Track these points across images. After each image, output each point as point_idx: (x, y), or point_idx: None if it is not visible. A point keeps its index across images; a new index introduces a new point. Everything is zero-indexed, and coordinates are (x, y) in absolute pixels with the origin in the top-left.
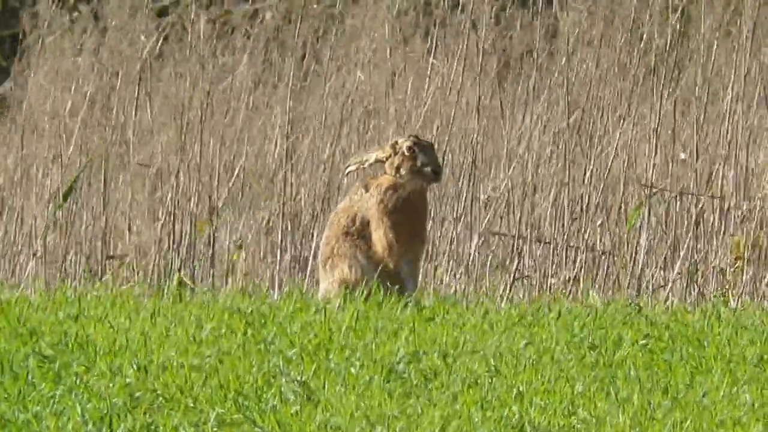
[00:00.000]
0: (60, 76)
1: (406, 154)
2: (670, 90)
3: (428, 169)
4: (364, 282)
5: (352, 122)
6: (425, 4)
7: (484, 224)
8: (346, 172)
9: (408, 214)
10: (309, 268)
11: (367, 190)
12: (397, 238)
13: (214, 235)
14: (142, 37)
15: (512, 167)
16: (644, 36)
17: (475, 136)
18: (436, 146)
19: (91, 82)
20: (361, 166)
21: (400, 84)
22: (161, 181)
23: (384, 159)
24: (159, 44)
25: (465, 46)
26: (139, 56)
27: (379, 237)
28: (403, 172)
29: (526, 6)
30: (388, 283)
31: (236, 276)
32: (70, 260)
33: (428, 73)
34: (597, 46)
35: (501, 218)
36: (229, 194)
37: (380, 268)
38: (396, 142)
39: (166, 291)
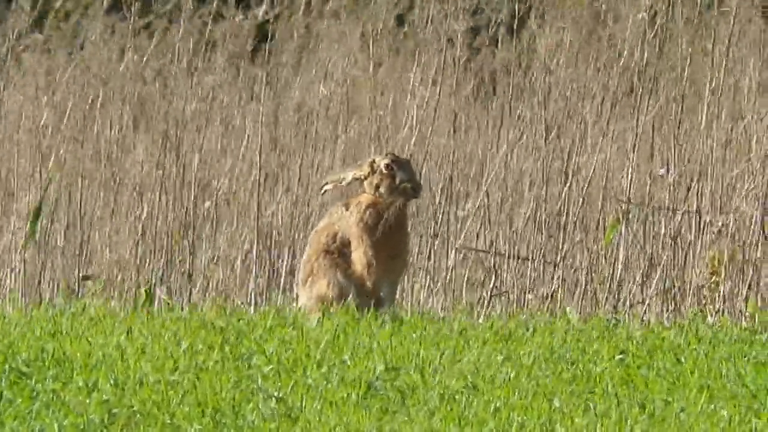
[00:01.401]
0: (37, 91)
1: (385, 172)
2: (648, 107)
3: (408, 185)
4: (342, 300)
5: (329, 139)
6: (399, 23)
7: (461, 240)
8: (323, 190)
9: (388, 233)
10: (284, 285)
11: (347, 209)
12: (376, 257)
13: (191, 251)
14: (124, 53)
15: (489, 183)
16: (623, 53)
17: (452, 152)
18: (413, 163)
19: (68, 97)
20: (338, 184)
21: (378, 101)
22: (139, 197)
23: (362, 177)
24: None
25: (441, 62)
26: (120, 70)
27: (359, 256)
28: (382, 190)
29: (503, 23)
30: (366, 303)
31: (212, 292)
32: (48, 277)
33: (406, 89)
34: (574, 63)
35: (478, 235)
36: (205, 210)
37: (359, 287)
38: (374, 161)
39: (135, 305)
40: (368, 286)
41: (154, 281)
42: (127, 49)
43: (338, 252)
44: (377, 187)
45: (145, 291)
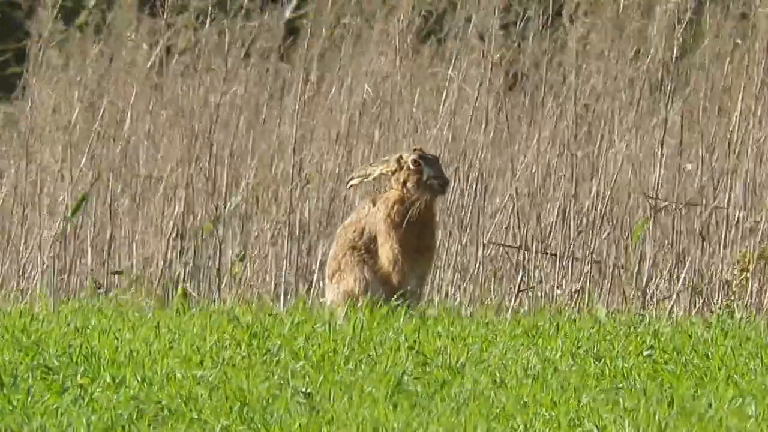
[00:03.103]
0: (66, 87)
1: (412, 167)
2: (674, 102)
3: (435, 182)
4: (368, 296)
5: (360, 135)
6: (435, 19)
7: (489, 236)
8: (349, 185)
9: (415, 229)
10: (314, 280)
11: (374, 205)
12: (403, 253)
13: (219, 246)
14: (144, 46)
15: (518, 179)
16: (651, 49)
17: (482, 147)
18: (442, 158)
19: (97, 93)
20: (365, 180)
21: (408, 97)
22: (168, 193)
23: (389, 173)
24: (163, 55)
25: (470, 57)
26: (147, 67)
27: (386, 252)
28: (409, 185)
29: (533, 20)
30: (393, 299)
31: (240, 287)
32: (76, 273)
33: (437, 85)
34: (606, 59)
35: (506, 230)
36: (235, 205)
37: (385, 283)
38: (401, 156)
39: (169, 302)
40: (395, 282)
41: (182, 277)
42: (155, 45)
43: (365, 248)
44: (404, 183)
45: (182, 290)
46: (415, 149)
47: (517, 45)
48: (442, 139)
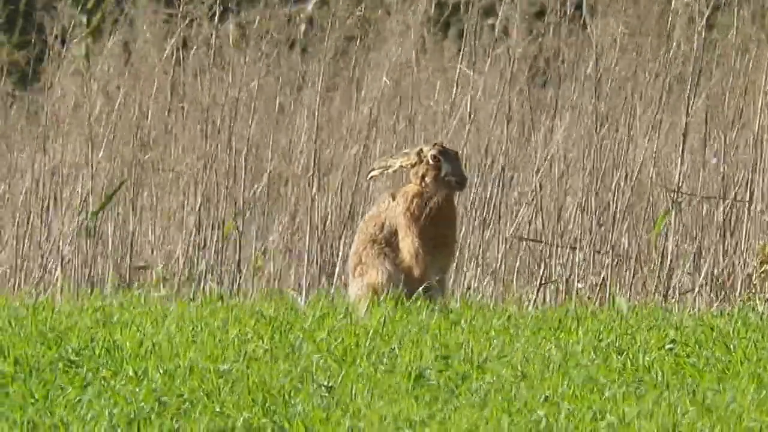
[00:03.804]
0: (90, 80)
1: (431, 163)
2: (697, 96)
3: (453, 179)
4: (390, 289)
5: (380, 127)
6: (454, 10)
7: (511, 230)
8: (369, 176)
9: (435, 222)
10: (336, 274)
11: (393, 199)
12: (423, 247)
13: (240, 240)
14: (168, 40)
15: (540, 173)
16: (673, 42)
17: (505, 141)
18: (464, 152)
19: (115, 87)
20: (385, 172)
21: (429, 90)
22: (188, 187)
23: (409, 166)
24: (179, 49)
25: (494, 52)
26: (164, 61)
27: (407, 245)
28: (427, 180)
29: (556, 14)
30: (415, 292)
31: (262, 281)
32: (99, 267)
33: (456, 79)
34: (631, 52)
35: (529, 224)
36: (256, 198)
37: (407, 276)
38: (421, 150)
39: (194, 298)
40: (416, 275)
41: (204, 272)
42: (169, 36)
43: (386, 242)
44: (423, 177)
45: (215, 293)
46: (435, 144)
47: (539, 38)
48: (464, 132)
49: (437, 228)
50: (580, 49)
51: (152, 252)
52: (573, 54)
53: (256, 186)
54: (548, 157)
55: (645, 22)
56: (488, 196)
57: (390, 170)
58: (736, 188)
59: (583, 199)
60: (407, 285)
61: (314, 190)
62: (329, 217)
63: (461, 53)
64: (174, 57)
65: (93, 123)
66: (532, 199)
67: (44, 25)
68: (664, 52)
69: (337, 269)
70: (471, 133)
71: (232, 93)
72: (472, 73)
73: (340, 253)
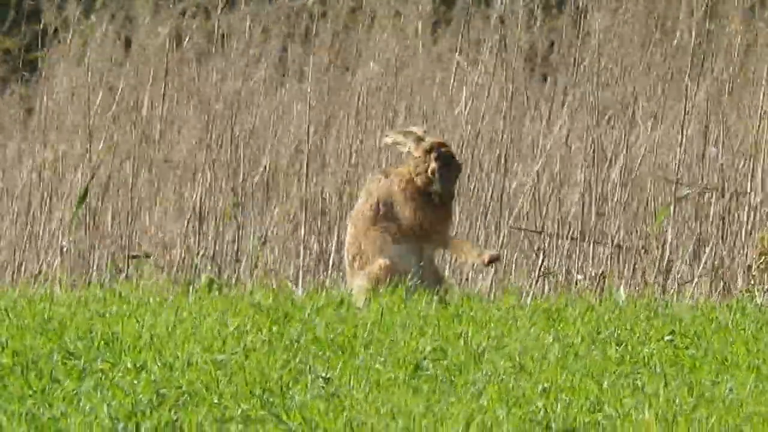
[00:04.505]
0: (89, 71)
1: (429, 173)
2: (698, 87)
3: (438, 193)
4: (393, 273)
5: (377, 118)
6: (451, 3)
7: (511, 221)
8: (383, 141)
9: (429, 209)
10: (332, 264)
11: (387, 177)
12: (423, 216)
13: (239, 230)
14: (161, 29)
15: (539, 163)
16: (673, 33)
17: (502, 132)
18: (462, 143)
19: (113, 77)
20: (395, 145)
21: (428, 79)
22: (187, 177)
23: (413, 155)
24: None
25: (492, 42)
26: (164, 51)
27: (408, 211)
28: (417, 179)
29: (554, 4)
30: (417, 278)
31: (260, 272)
32: (97, 257)
33: (455, 69)
34: (629, 43)
35: (527, 215)
36: (254, 189)
37: (408, 242)
38: (429, 149)
39: (193, 289)
40: (418, 235)
41: (203, 263)
42: (166, 25)
43: (385, 217)
44: (416, 172)
45: (209, 278)
46: (444, 153)
47: (539, 28)
48: (462, 122)
49: (431, 212)
50: (580, 40)
51: (149, 243)
52: (569, 44)
53: (254, 175)
54: (546, 147)
55: (647, 12)
56: (486, 186)
57: (399, 147)
58: (736, 179)
59: (583, 189)
60: (413, 257)
61: (310, 179)
62: (327, 207)
63: (458, 44)
64: (171, 46)
65: (91, 114)
66: (531, 190)
67: (39, 12)
68: (661, 39)
69: (331, 258)
70: (469, 123)
71: (233, 83)
72: (465, 64)
73: (335, 243)
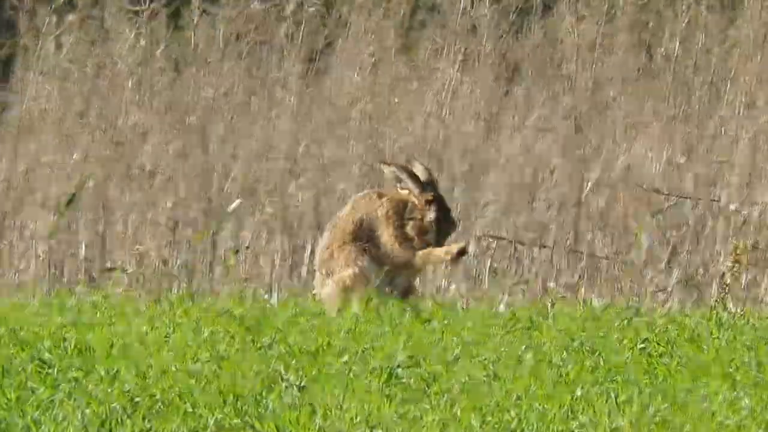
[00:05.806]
0: (59, 81)
1: (425, 222)
2: (671, 96)
3: (429, 241)
4: (365, 284)
5: (351, 127)
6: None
7: (483, 229)
8: (383, 167)
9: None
10: (306, 272)
11: (379, 198)
12: (403, 240)
13: (213, 240)
14: (139, 40)
15: (512, 172)
16: (648, 42)
17: (473, 140)
18: (433, 150)
19: (87, 86)
20: (394, 177)
21: (401, 89)
22: (162, 187)
23: (414, 199)
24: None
25: (465, 51)
26: (134, 61)
27: (388, 236)
28: (410, 223)
29: (528, 12)
30: (387, 288)
31: (234, 281)
32: (70, 267)
33: (427, 78)
34: (603, 52)
35: (500, 224)
36: (228, 199)
37: (386, 264)
38: (430, 201)
39: (165, 299)
40: (397, 261)
41: (177, 272)
42: (140, 36)
43: (363, 236)
44: (412, 217)
45: (186, 293)
46: (440, 211)
47: (512, 36)
48: (432, 131)
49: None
50: (554, 48)
51: (122, 253)
52: (544, 54)
53: (228, 187)
54: (517, 156)
55: (620, 22)
56: (457, 196)
57: (397, 185)
58: (711, 188)
59: (557, 198)
60: (381, 274)
61: (286, 190)
62: (300, 216)
63: (432, 51)
64: (143, 55)
65: (67, 123)
66: (504, 199)
67: (15, 22)
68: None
69: (305, 267)
70: (439, 132)
71: (205, 93)
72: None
73: (307, 253)
